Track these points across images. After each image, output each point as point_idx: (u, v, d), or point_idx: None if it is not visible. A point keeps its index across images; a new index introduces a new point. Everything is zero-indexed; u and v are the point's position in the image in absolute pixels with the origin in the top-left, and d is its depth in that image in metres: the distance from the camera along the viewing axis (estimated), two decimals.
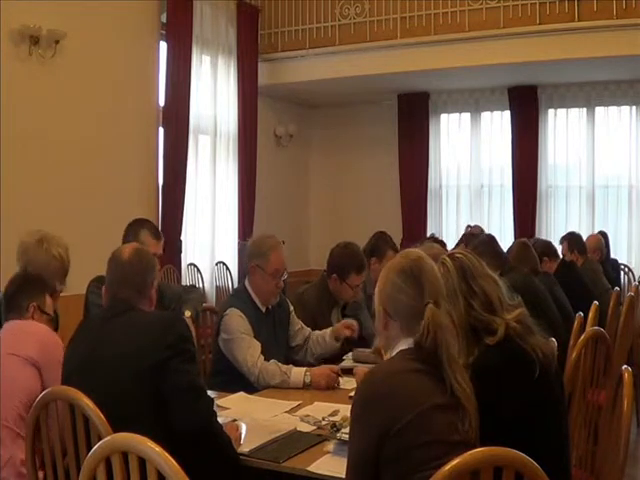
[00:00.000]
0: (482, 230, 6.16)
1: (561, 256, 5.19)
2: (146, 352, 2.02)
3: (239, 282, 7.06)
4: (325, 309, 3.71)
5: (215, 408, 2.24)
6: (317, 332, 3.45)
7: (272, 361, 3.08)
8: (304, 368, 3.10)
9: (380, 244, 4.29)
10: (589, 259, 5.41)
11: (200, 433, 2.07)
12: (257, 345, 3.11)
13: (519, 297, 2.08)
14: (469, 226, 6.78)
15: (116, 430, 1.71)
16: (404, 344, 1.81)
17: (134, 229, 3.16)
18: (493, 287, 2.02)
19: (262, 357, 3.08)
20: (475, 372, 1.86)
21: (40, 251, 2.72)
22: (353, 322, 3.47)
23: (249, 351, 3.07)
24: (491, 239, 4.21)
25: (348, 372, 3.21)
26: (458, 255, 2.07)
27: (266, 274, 3.21)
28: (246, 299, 3.25)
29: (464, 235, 5.79)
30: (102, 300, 2.34)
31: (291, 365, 3.12)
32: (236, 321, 3.13)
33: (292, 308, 3.49)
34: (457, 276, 2.01)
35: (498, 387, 1.86)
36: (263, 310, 3.28)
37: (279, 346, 3.30)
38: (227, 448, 2.15)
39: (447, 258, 2.06)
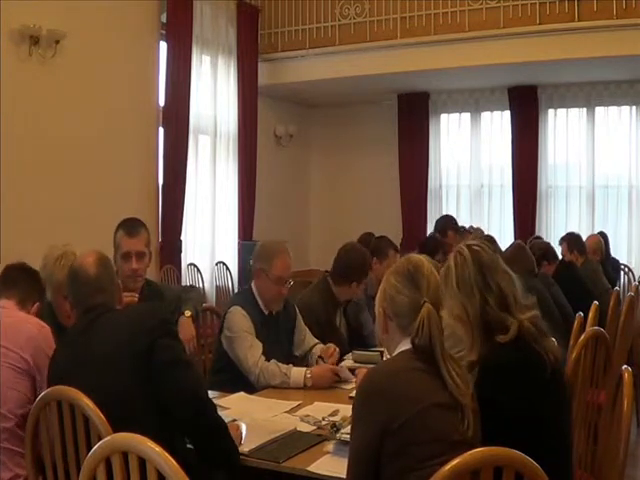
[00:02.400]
0: (482, 232, 6.17)
1: (561, 257, 5.19)
2: (133, 341, 2.04)
3: (239, 282, 7.06)
4: (331, 311, 3.73)
5: (215, 402, 2.24)
6: (319, 347, 3.41)
7: (272, 361, 3.07)
8: (304, 368, 3.10)
9: (382, 245, 4.32)
10: (589, 259, 5.41)
11: (189, 405, 2.04)
12: (258, 345, 3.11)
13: (534, 297, 2.03)
14: (471, 227, 6.77)
15: (116, 430, 1.72)
16: (404, 345, 1.82)
17: (114, 235, 3.11)
18: (509, 284, 1.97)
19: (263, 357, 3.07)
20: (485, 369, 1.85)
21: (57, 268, 2.65)
22: (331, 346, 3.39)
23: (250, 350, 3.07)
24: (491, 240, 4.21)
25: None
26: (476, 247, 2.01)
27: (269, 280, 3.19)
28: (251, 300, 3.25)
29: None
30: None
31: (291, 365, 3.12)
32: (239, 319, 3.14)
33: (299, 316, 3.46)
34: (474, 268, 1.96)
35: (509, 386, 1.84)
36: (266, 313, 3.27)
37: (281, 350, 3.28)
38: (220, 428, 2.13)
39: (465, 248, 2.01)
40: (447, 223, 6.02)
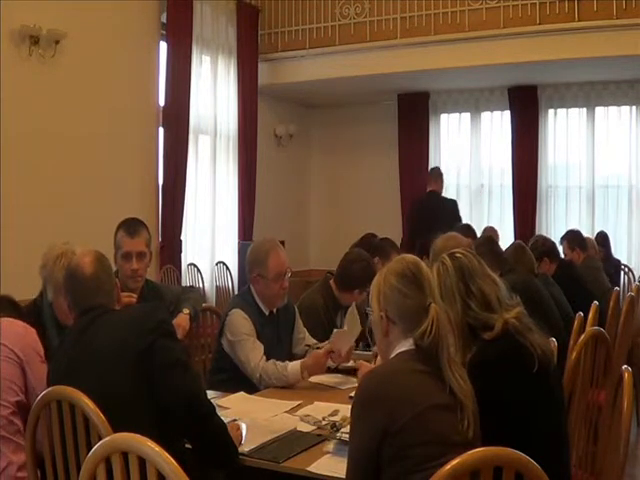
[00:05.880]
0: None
1: (562, 256, 5.16)
2: (133, 342, 2.04)
3: (239, 282, 7.06)
4: (332, 313, 3.74)
5: (215, 403, 2.24)
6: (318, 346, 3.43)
7: (270, 361, 3.08)
8: (299, 363, 3.09)
9: (386, 246, 4.34)
10: (590, 256, 5.38)
11: (187, 406, 2.05)
12: (260, 346, 3.11)
13: (518, 297, 2.09)
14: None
15: (116, 430, 1.72)
16: (404, 346, 1.81)
17: (115, 235, 3.12)
18: (492, 287, 2.02)
19: (264, 358, 3.08)
20: (473, 367, 1.87)
21: (57, 267, 2.63)
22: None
23: (252, 352, 3.08)
24: (490, 240, 4.21)
25: (347, 372, 3.22)
26: (458, 255, 2.08)
27: (268, 281, 3.19)
28: (250, 301, 3.25)
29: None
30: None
31: (287, 362, 3.12)
32: (240, 322, 3.14)
33: (298, 313, 3.47)
34: (455, 276, 2.02)
35: (497, 381, 1.87)
36: (267, 313, 3.27)
37: (282, 349, 3.29)
38: (219, 429, 2.14)
39: (447, 257, 2.07)
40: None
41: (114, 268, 2.83)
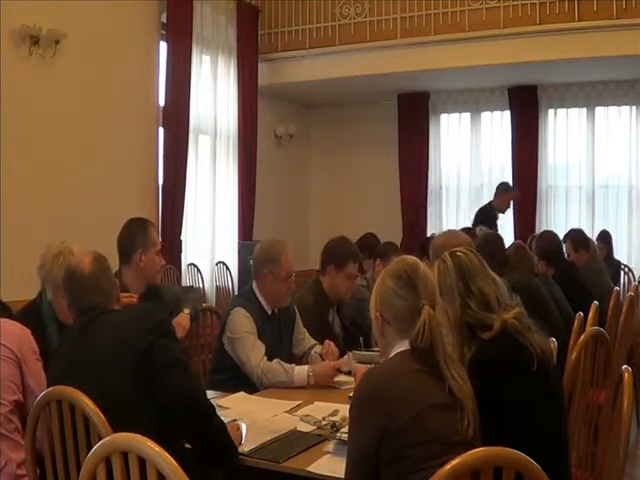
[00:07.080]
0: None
1: (565, 255, 5.13)
2: (133, 342, 2.04)
3: (239, 282, 7.06)
4: (324, 311, 3.72)
5: (215, 404, 2.24)
6: (318, 348, 3.43)
7: (275, 360, 3.09)
8: (307, 367, 3.11)
9: (388, 250, 4.35)
10: (593, 257, 5.35)
11: (187, 406, 2.05)
12: (261, 345, 3.12)
13: (518, 297, 2.09)
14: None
15: (116, 430, 1.71)
16: (401, 346, 1.82)
17: (142, 227, 3.13)
18: (491, 287, 2.02)
19: (265, 358, 3.08)
20: (473, 367, 1.87)
21: (55, 267, 2.63)
22: (329, 343, 3.41)
23: (253, 350, 3.08)
24: (491, 239, 4.20)
25: (347, 372, 3.22)
26: (459, 254, 2.08)
27: (278, 279, 3.22)
28: (253, 300, 3.26)
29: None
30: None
31: (294, 365, 3.13)
32: (241, 320, 3.15)
33: (298, 315, 3.48)
34: (455, 275, 2.02)
35: (496, 381, 1.87)
36: (269, 312, 3.29)
37: (283, 349, 3.30)
38: (218, 429, 2.14)
39: (448, 256, 2.07)
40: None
41: (141, 265, 3.00)
